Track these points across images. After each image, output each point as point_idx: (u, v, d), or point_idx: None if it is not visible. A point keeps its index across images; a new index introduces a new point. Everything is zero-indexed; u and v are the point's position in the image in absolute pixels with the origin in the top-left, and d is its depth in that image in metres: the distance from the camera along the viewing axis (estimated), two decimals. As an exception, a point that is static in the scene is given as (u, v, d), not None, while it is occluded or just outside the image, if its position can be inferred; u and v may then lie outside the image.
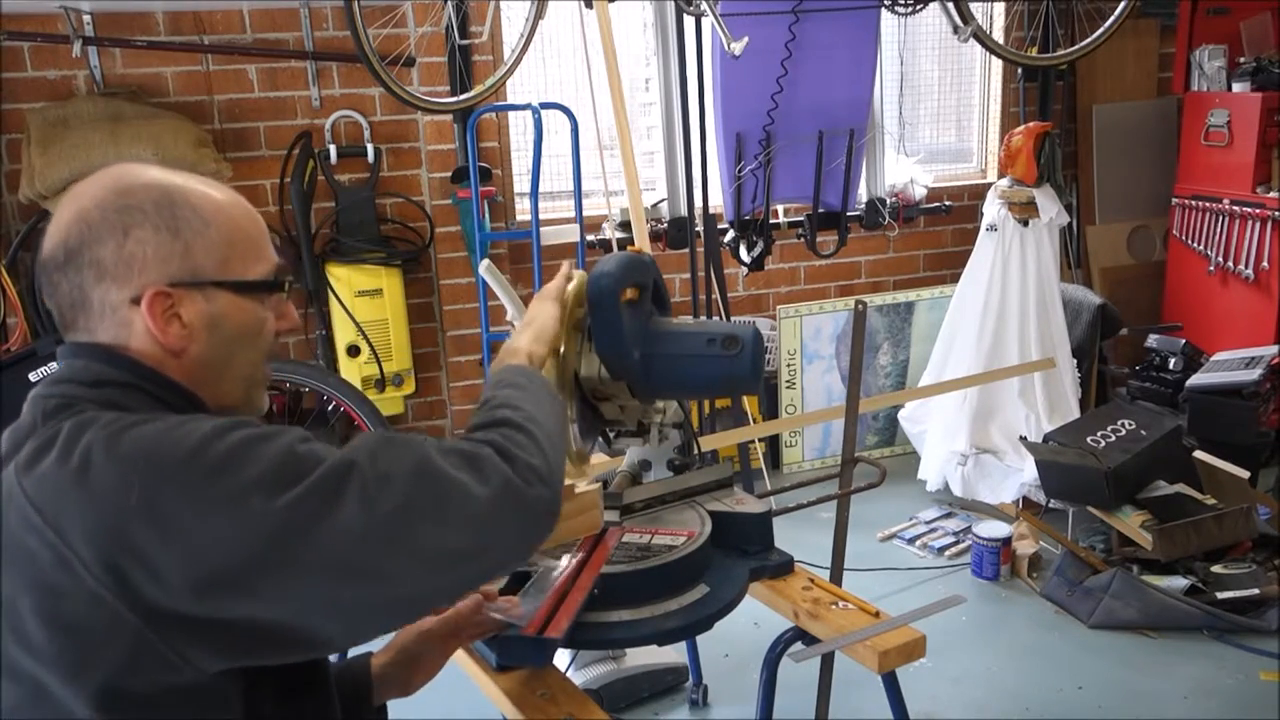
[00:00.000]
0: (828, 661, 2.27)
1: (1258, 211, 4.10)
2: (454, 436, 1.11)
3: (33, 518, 0.96)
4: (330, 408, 3.43)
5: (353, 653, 1.35)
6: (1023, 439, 3.53)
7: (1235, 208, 4.19)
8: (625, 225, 3.58)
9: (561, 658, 2.42)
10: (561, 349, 1.55)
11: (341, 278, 3.60)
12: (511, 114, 3.87)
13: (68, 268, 1.07)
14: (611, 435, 1.72)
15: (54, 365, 3.45)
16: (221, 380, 1.13)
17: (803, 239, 3.95)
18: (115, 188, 1.08)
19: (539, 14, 3.26)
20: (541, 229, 3.60)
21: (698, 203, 3.57)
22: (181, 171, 1.13)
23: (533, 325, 1.41)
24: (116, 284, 1.06)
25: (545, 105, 3.50)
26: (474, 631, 1.44)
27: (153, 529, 0.92)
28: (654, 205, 3.74)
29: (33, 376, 3.07)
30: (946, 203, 4.26)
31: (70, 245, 1.06)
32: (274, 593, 0.94)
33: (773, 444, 4.24)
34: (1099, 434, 3.29)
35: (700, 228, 3.61)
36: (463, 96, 3.39)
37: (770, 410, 4.23)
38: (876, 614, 1.65)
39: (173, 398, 1.08)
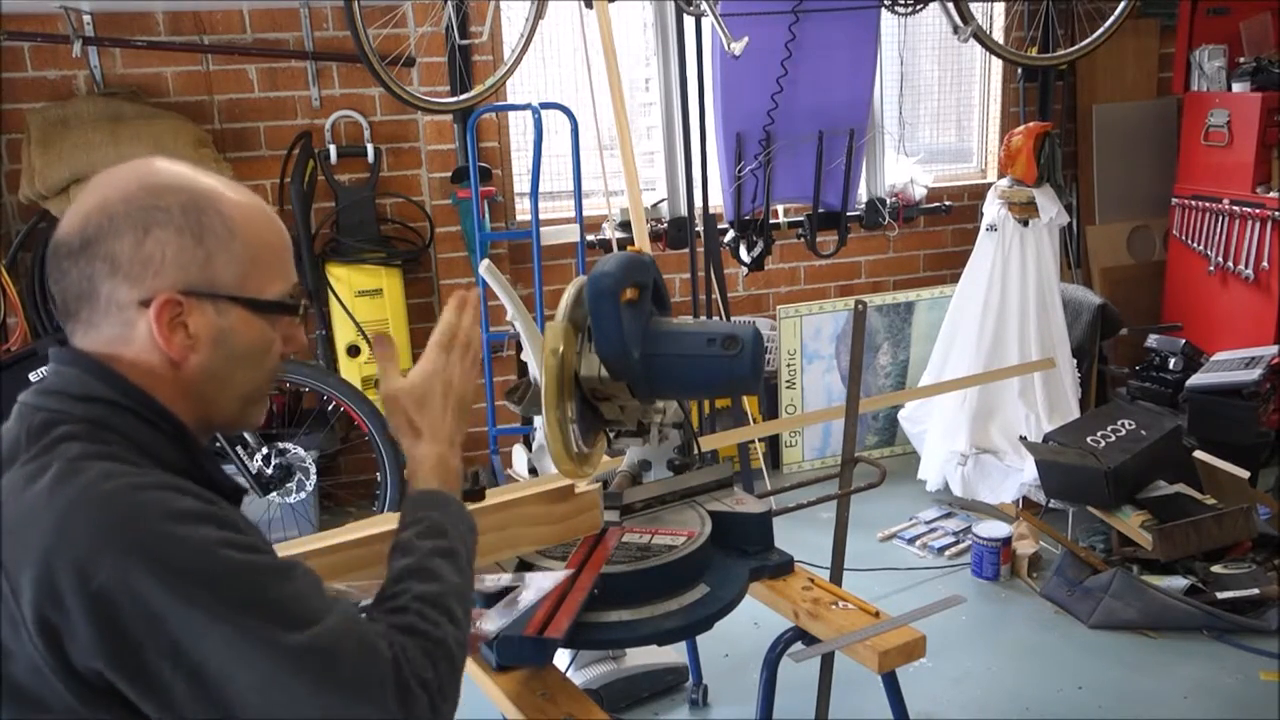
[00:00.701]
0: (828, 661, 2.27)
1: (1258, 211, 4.10)
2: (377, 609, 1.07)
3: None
4: (330, 408, 3.43)
5: None
6: (1023, 439, 3.53)
7: (1235, 208, 4.19)
8: (625, 225, 3.58)
9: (561, 658, 2.42)
10: (561, 348, 1.55)
11: (341, 278, 3.60)
12: (511, 114, 3.87)
13: (81, 256, 1.03)
14: (611, 435, 1.72)
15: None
16: (219, 396, 1.10)
17: (803, 239, 3.95)
18: (144, 183, 1.05)
19: (539, 14, 3.26)
20: (541, 229, 3.60)
21: (698, 203, 3.57)
22: (216, 175, 1.10)
23: (426, 417, 1.28)
24: (128, 282, 1.02)
25: (545, 105, 3.50)
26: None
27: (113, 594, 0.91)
28: (654, 205, 3.74)
29: (33, 377, 3.07)
30: (946, 203, 4.26)
31: (87, 233, 1.02)
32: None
33: (773, 444, 4.24)
34: (1099, 434, 3.29)
35: (700, 228, 3.61)
36: (463, 96, 3.39)
37: (770, 410, 4.23)
38: (876, 614, 1.65)
39: (161, 423, 1.05)
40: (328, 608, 0.98)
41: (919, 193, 4.19)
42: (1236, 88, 4.27)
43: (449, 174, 3.76)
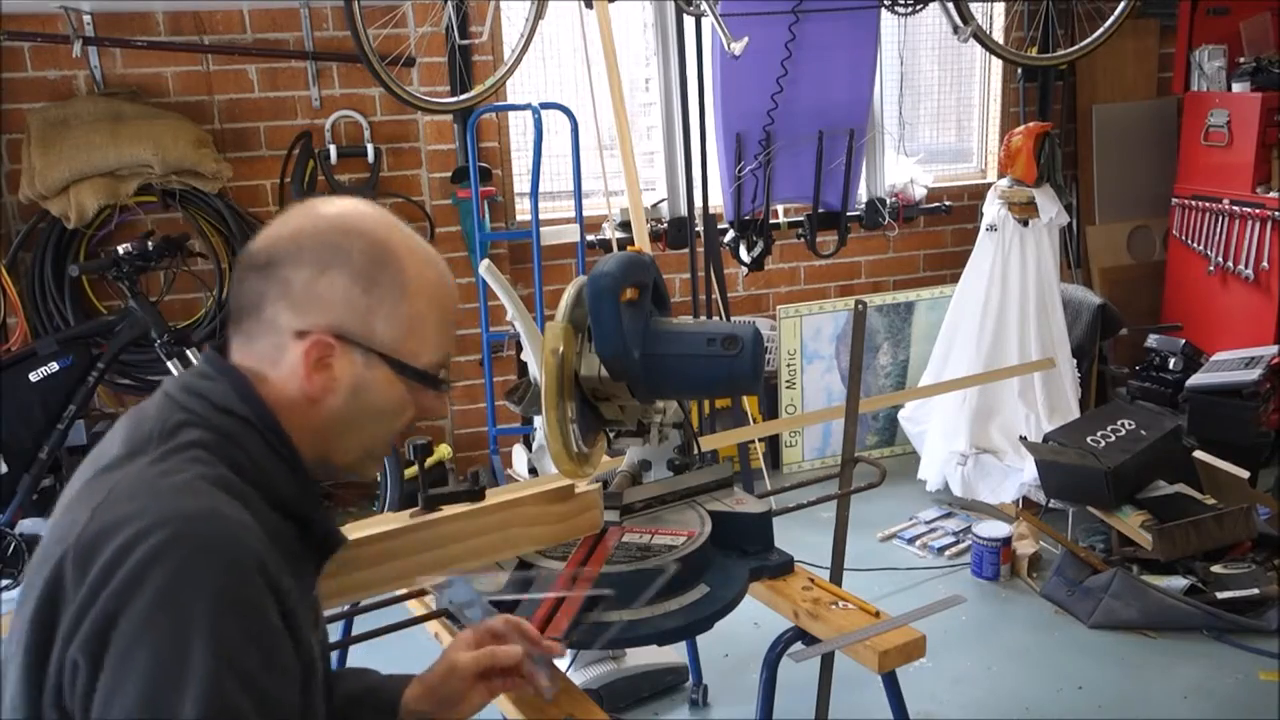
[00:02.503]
0: (828, 661, 2.27)
1: (1258, 211, 4.10)
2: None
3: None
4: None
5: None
6: (1023, 439, 3.53)
7: (1235, 208, 4.19)
8: (625, 225, 3.58)
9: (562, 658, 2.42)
10: (561, 348, 1.55)
11: (341, 278, 3.59)
12: (511, 114, 3.87)
13: (262, 272, 1.07)
14: (611, 435, 1.72)
15: (53, 365, 3.42)
16: (342, 441, 1.12)
17: (803, 239, 3.95)
18: (338, 223, 1.08)
19: (539, 14, 3.26)
20: (541, 229, 3.60)
21: (698, 203, 3.57)
22: (416, 236, 1.13)
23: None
24: (293, 310, 1.06)
25: (545, 105, 3.50)
26: (507, 682, 1.26)
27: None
28: (654, 205, 3.74)
29: (33, 377, 3.07)
30: (946, 203, 4.26)
31: (275, 254, 1.07)
32: None
33: (773, 444, 4.24)
34: (1099, 434, 3.29)
35: (700, 228, 3.61)
36: (463, 96, 3.39)
37: (770, 410, 4.23)
38: (876, 614, 1.65)
39: (283, 450, 1.08)
40: None
41: (919, 193, 4.19)
42: (1236, 88, 4.27)
43: (449, 174, 3.76)
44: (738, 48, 3.11)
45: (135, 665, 0.89)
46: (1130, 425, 3.35)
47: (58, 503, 1.07)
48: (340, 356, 1.07)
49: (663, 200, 3.73)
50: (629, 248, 3.33)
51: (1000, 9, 4.37)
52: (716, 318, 3.66)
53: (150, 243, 3.12)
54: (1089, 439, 3.26)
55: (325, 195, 1.14)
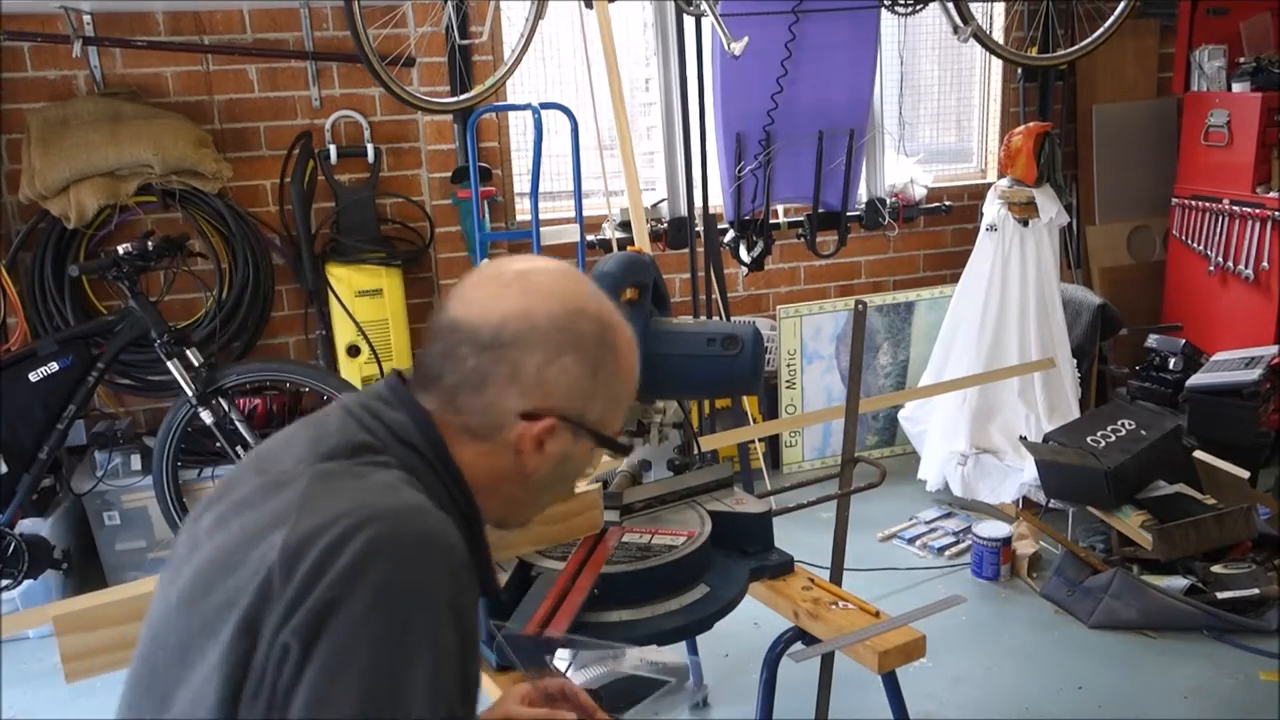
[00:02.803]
0: (828, 661, 2.27)
1: (1258, 211, 4.10)
2: None
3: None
4: (330, 408, 3.43)
5: None
6: (1023, 439, 3.53)
7: (1235, 208, 4.19)
8: (625, 225, 3.58)
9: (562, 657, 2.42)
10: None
11: (341, 278, 3.59)
12: (511, 114, 3.87)
13: (487, 351, 1.05)
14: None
15: (53, 365, 3.41)
16: (526, 505, 1.16)
17: (803, 239, 3.95)
18: (569, 304, 1.07)
19: (539, 14, 3.26)
20: (541, 229, 3.60)
21: (698, 203, 3.57)
22: (609, 301, 1.14)
23: None
24: (521, 395, 1.06)
25: (545, 105, 3.50)
26: None
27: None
28: (654, 205, 3.74)
29: (33, 377, 3.07)
30: (946, 203, 4.26)
31: (503, 335, 1.05)
32: None
33: (773, 444, 4.24)
34: (1099, 434, 3.29)
35: (700, 228, 3.61)
36: (463, 96, 3.39)
37: (770, 410, 4.22)
38: (876, 614, 1.65)
39: (465, 506, 1.08)
40: None
41: (919, 193, 4.19)
42: (1236, 88, 4.27)
43: (449, 174, 3.76)
44: (738, 48, 3.11)
45: (356, 659, 0.89)
46: (1130, 425, 3.35)
47: (211, 508, 1.05)
48: (556, 434, 1.08)
49: (663, 200, 3.73)
50: (629, 248, 3.32)
51: (1000, 9, 4.37)
52: (716, 318, 3.66)
53: (150, 243, 3.12)
54: (1089, 439, 3.26)
55: (512, 255, 1.12)
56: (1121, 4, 3.74)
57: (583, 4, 3.32)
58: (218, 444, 3.21)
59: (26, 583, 3.07)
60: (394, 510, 0.96)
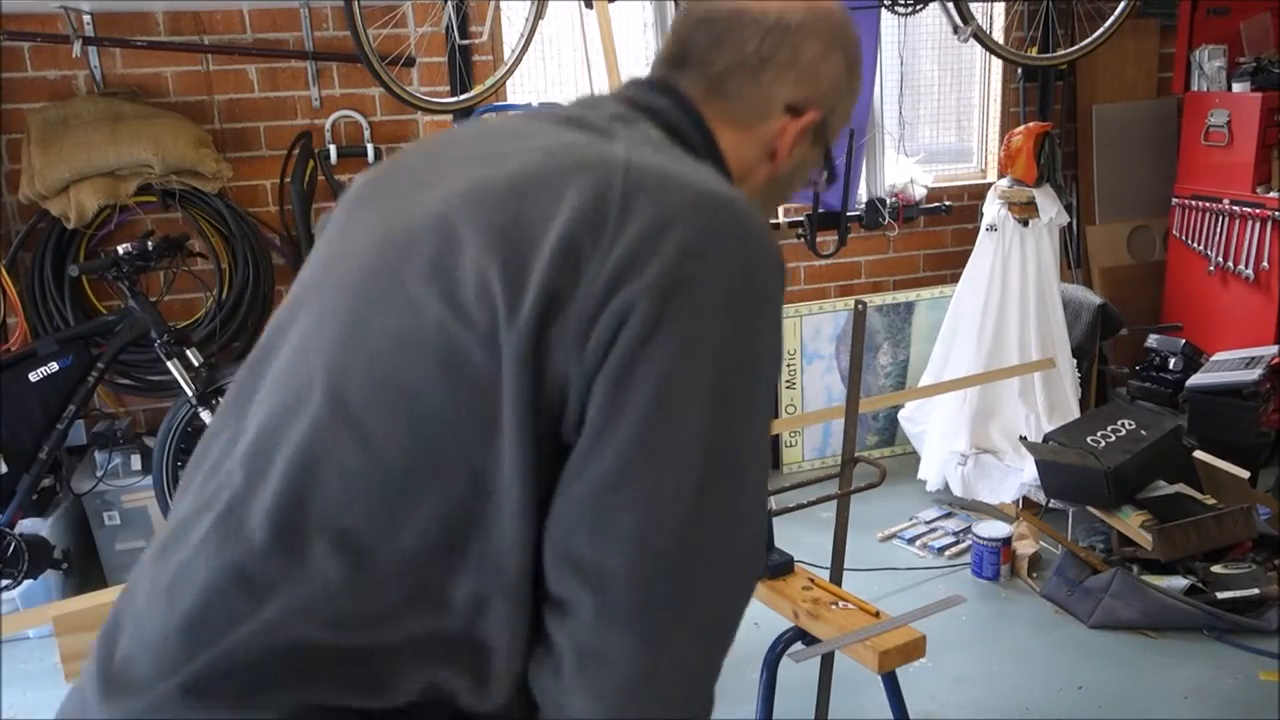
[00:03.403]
0: (828, 661, 2.27)
1: (1258, 211, 4.10)
2: None
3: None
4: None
5: None
6: (1023, 439, 3.53)
7: (1235, 208, 4.19)
8: (625, 225, 3.57)
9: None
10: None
11: (341, 278, 3.59)
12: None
13: (771, 34, 1.02)
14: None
15: (53, 365, 3.41)
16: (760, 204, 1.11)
17: (802, 239, 3.95)
18: (839, 9, 1.07)
19: (539, 14, 3.26)
20: (541, 229, 3.59)
21: (698, 203, 3.56)
22: None
23: None
24: (796, 83, 1.03)
25: (545, 105, 3.49)
26: None
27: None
28: (654, 205, 3.74)
29: (32, 377, 3.07)
30: (946, 203, 4.26)
31: (786, 20, 1.02)
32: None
33: (773, 444, 4.24)
34: (1099, 434, 3.29)
35: (700, 228, 3.60)
36: (463, 96, 3.38)
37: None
38: (876, 614, 1.65)
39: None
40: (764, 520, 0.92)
41: (919, 193, 4.19)
42: (1236, 88, 4.27)
43: (449, 174, 3.76)
44: (738, 48, 3.10)
45: (709, 336, 0.84)
46: (1130, 425, 3.35)
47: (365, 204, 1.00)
48: (804, 136, 1.06)
49: (663, 200, 3.73)
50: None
51: (1000, 9, 4.37)
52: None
53: (150, 243, 3.12)
54: (1089, 439, 3.26)
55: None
56: (1121, 4, 3.74)
57: (583, 4, 3.32)
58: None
59: (26, 583, 3.07)
60: (731, 197, 0.90)
